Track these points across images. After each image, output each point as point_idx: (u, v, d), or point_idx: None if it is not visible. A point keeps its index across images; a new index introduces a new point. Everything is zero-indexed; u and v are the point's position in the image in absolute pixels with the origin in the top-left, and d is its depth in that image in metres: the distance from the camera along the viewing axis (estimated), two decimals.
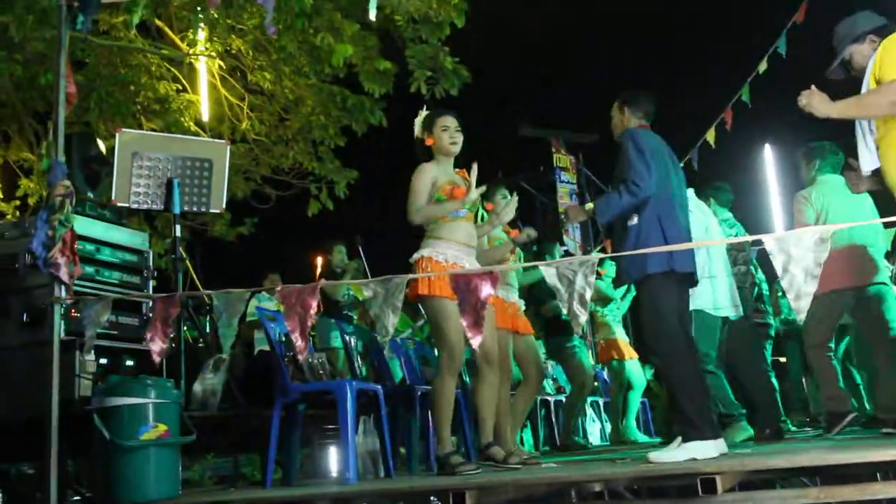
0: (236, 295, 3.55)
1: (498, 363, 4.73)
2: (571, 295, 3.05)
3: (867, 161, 3.50)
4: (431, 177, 4.09)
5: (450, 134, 4.16)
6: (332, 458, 6.92)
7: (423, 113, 4.30)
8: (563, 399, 8.07)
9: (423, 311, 4.01)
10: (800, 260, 2.75)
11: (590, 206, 3.99)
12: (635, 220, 3.82)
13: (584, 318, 3.08)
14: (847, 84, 3.76)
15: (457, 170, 4.28)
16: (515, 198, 4.53)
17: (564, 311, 3.12)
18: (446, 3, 7.48)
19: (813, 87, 3.50)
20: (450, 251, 4.01)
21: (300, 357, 4.03)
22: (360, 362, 5.40)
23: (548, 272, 3.11)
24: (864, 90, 3.55)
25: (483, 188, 4.21)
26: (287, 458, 4.64)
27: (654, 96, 4.16)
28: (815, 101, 3.42)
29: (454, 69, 7.78)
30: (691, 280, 3.98)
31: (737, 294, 5.39)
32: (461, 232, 4.09)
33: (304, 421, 4.68)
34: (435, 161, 4.18)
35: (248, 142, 9.29)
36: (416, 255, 4.06)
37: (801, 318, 2.81)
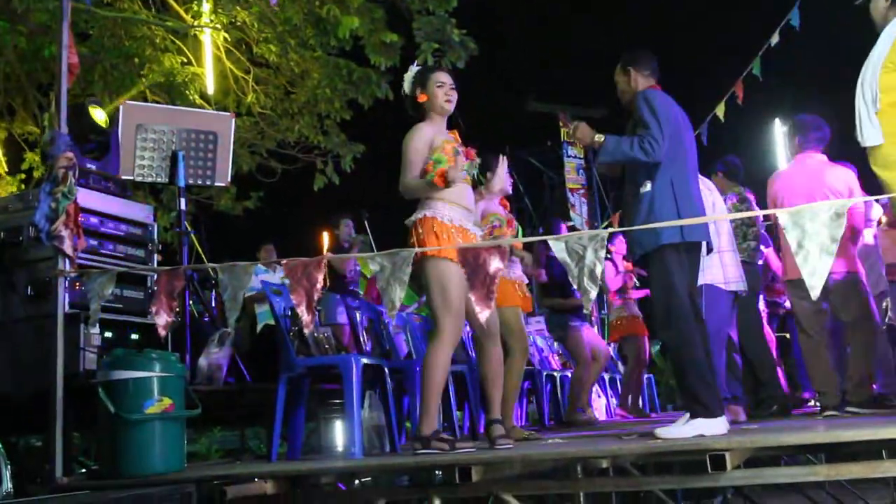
0: (242, 268, 3.52)
1: (516, 339, 4.71)
2: (581, 270, 3.00)
3: (871, 136, 3.40)
4: (427, 138, 3.88)
5: (445, 91, 3.96)
6: (338, 432, 6.94)
7: (414, 68, 4.09)
8: (570, 374, 8.06)
9: (421, 276, 3.77)
10: (815, 235, 2.69)
11: (600, 137, 3.77)
12: (648, 186, 3.70)
13: (594, 293, 3.03)
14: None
15: (449, 130, 4.05)
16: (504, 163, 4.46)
17: (574, 286, 3.07)
18: None
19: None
20: (454, 213, 3.83)
21: (306, 331, 3.99)
22: (365, 336, 5.38)
23: (557, 247, 3.06)
24: (873, 59, 3.45)
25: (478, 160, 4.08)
26: (292, 433, 4.63)
27: (654, 53, 4.05)
28: None
29: (461, 41, 7.70)
30: (700, 250, 3.86)
31: (742, 269, 5.36)
32: (462, 194, 3.90)
33: (309, 395, 4.67)
34: (429, 120, 3.98)
35: (253, 115, 9.23)
36: (416, 216, 3.86)
37: (815, 294, 2.75)
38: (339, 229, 7.61)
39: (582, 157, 14.01)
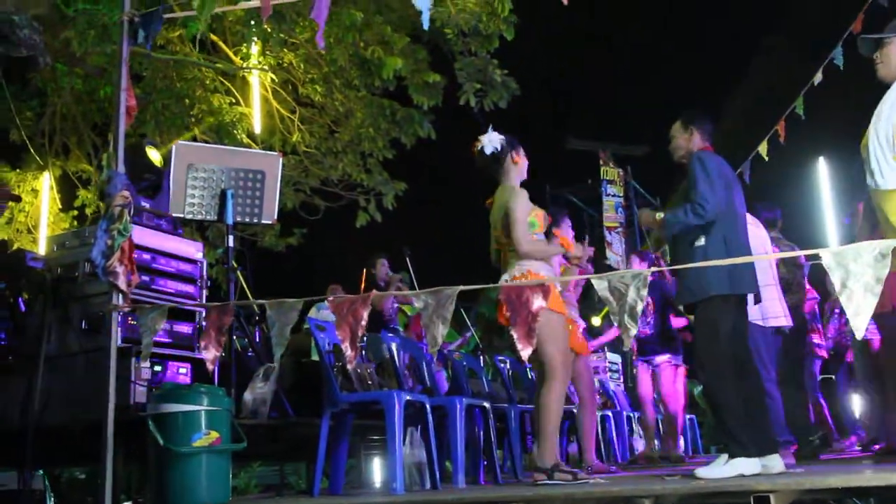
0: (289, 304, 3.60)
1: (585, 385, 5.10)
2: (622, 308, 3.04)
3: (892, 179, 3.41)
4: (528, 202, 4.17)
5: (526, 160, 4.33)
6: (377, 469, 6.95)
7: (492, 132, 4.32)
8: (611, 413, 8.00)
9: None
10: (859, 276, 2.69)
11: (660, 215, 4.04)
12: (702, 241, 3.88)
13: (633, 331, 3.07)
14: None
15: None
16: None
17: (616, 324, 3.12)
18: (496, 16, 7.51)
19: None
20: (544, 271, 4.10)
21: (349, 366, 4.05)
22: (406, 374, 5.42)
23: (599, 285, 3.10)
24: (888, 104, 3.47)
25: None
26: (334, 468, 4.67)
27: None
28: None
29: (503, 82, 7.81)
30: (746, 300, 4.03)
31: (787, 304, 5.34)
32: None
33: (351, 431, 4.71)
34: (511, 185, 4.27)
35: (298, 153, 9.41)
36: (516, 272, 4.09)
37: (860, 335, 2.75)
38: (376, 268, 7.58)
39: (621, 195, 14.00)
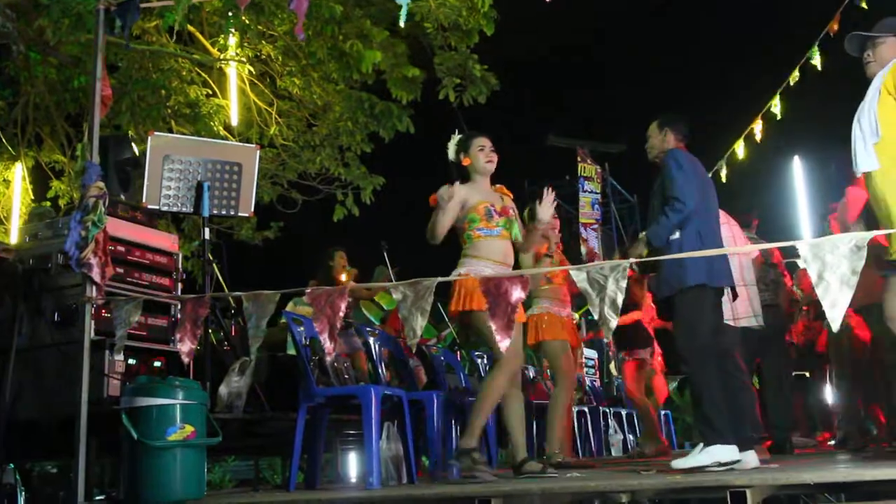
0: (266, 297, 3.57)
1: (561, 373, 5.05)
2: (602, 300, 3.04)
3: (866, 163, 3.45)
4: (459, 199, 4.10)
5: (486, 153, 4.25)
6: (352, 463, 6.93)
7: (456, 137, 4.35)
8: (587, 409, 8.05)
9: (471, 326, 4.02)
10: (835, 267, 2.72)
11: (642, 236, 4.09)
12: (677, 234, 3.94)
13: (614, 322, 3.08)
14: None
15: (495, 186, 4.34)
16: (550, 195, 4.55)
17: (595, 316, 3.12)
18: (476, 10, 7.50)
19: None
20: (487, 269, 3.99)
21: (327, 359, 4.04)
22: (383, 367, 5.41)
23: (578, 276, 3.11)
24: (870, 95, 3.50)
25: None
26: (310, 462, 4.65)
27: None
28: None
29: (483, 77, 7.80)
30: (722, 293, 4.07)
31: (758, 304, 5.39)
32: (497, 250, 4.11)
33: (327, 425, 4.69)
34: (471, 181, 4.24)
35: (275, 147, 9.34)
36: (453, 274, 4.06)
37: (836, 327, 2.77)
38: (334, 261, 7.26)
39: (599, 192, 14.07)
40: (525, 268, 4.72)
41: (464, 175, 4.28)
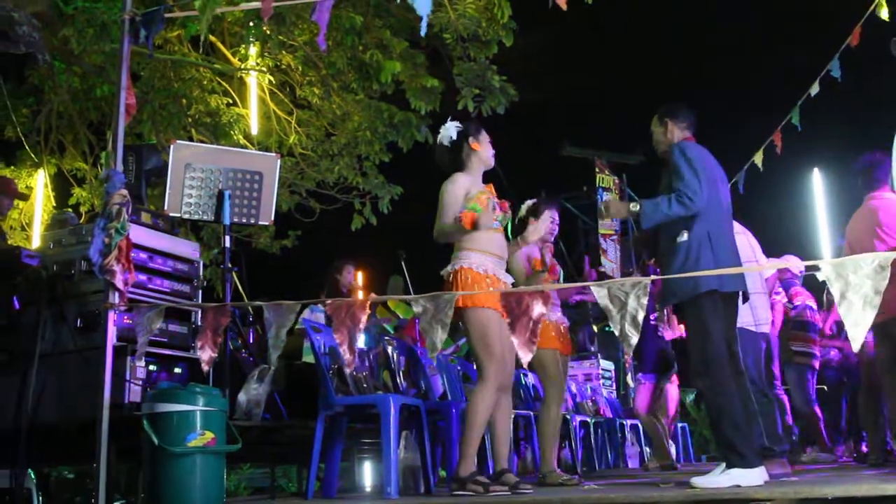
0: (287, 307, 3.59)
1: (551, 382, 4.90)
2: (623, 316, 3.03)
3: None
4: (464, 187, 4.05)
5: (490, 146, 4.19)
6: (368, 472, 6.93)
7: (452, 122, 4.22)
8: (603, 421, 8.02)
9: (462, 325, 3.92)
10: (858, 287, 2.70)
11: (635, 207, 3.88)
12: (685, 236, 3.76)
13: (634, 339, 3.06)
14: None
15: (486, 184, 4.24)
16: (543, 223, 4.55)
17: (616, 332, 3.10)
18: (496, 22, 7.52)
19: None
20: (487, 262, 3.95)
21: (347, 370, 4.05)
22: (401, 377, 5.41)
23: (599, 293, 3.10)
24: None
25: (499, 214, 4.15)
26: (328, 471, 4.66)
27: (692, 99, 4.13)
28: None
29: (501, 87, 7.81)
30: (737, 299, 3.92)
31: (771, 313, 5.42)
32: (494, 243, 4.04)
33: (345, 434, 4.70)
34: (467, 171, 4.15)
35: (294, 156, 9.41)
36: (450, 267, 4.00)
37: (857, 346, 2.75)
38: (341, 274, 7.34)
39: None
40: (520, 282, 4.67)
41: (458, 163, 4.15)
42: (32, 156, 8.80)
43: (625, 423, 8.96)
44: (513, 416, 5.62)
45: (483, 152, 4.16)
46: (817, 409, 7.05)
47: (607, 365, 11.25)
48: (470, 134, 4.16)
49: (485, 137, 4.18)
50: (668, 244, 3.85)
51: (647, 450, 9.00)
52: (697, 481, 3.48)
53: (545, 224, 4.79)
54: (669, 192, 3.79)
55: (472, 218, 3.84)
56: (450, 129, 4.19)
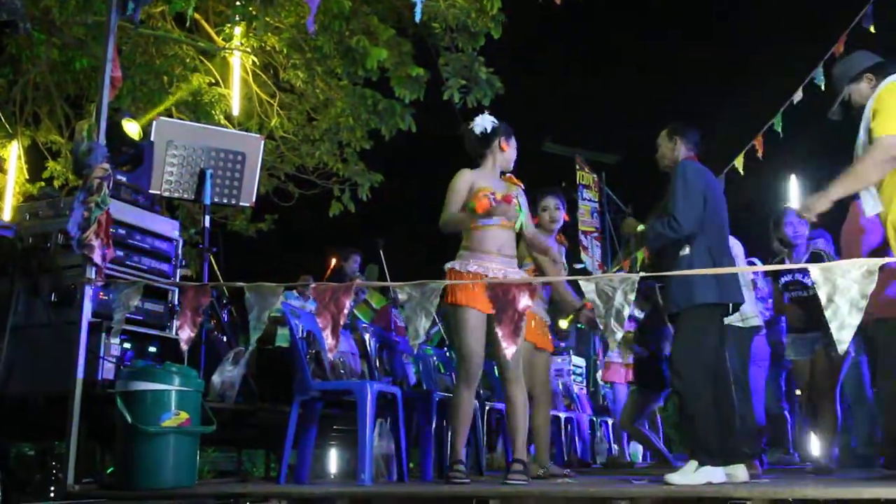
0: (269, 289, 3.55)
1: (539, 384, 4.85)
2: (609, 311, 3.04)
3: (870, 206, 3.50)
4: (468, 183, 4.08)
5: (514, 152, 4.29)
6: (336, 459, 6.90)
7: (490, 116, 4.25)
8: (574, 416, 8.04)
9: (441, 319, 4.00)
10: (845, 291, 2.73)
11: (641, 227, 4.07)
12: (687, 250, 3.91)
13: (619, 334, 3.09)
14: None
15: (505, 175, 4.29)
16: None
17: (601, 326, 3.11)
18: (485, 13, 7.50)
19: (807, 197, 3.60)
20: (476, 262, 3.96)
21: (330, 355, 4.02)
22: (377, 364, 5.39)
23: (587, 287, 3.11)
24: (861, 134, 3.56)
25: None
26: (300, 456, 4.61)
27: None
28: (813, 203, 3.46)
29: (488, 79, 7.79)
30: (727, 310, 4.05)
31: (757, 306, 5.48)
32: (491, 241, 4.02)
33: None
34: (481, 168, 4.20)
35: (274, 139, 9.31)
36: (446, 266, 4.04)
37: (842, 349, 2.78)
38: (347, 262, 7.45)
39: (597, 200, 14.07)
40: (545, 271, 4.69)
41: (478, 157, 4.23)
42: (7, 126, 8.62)
43: (594, 419, 9.00)
44: (488, 407, 5.62)
45: (508, 154, 4.24)
46: (786, 412, 7.11)
47: (579, 361, 11.28)
48: (503, 133, 4.22)
49: (513, 143, 4.27)
50: (670, 258, 3.99)
51: (614, 447, 9.05)
52: (671, 478, 3.57)
53: (548, 214, 4.81)
54: (666, 208, 4.00)
55: (485, 206, 3.89)
56: (486, 121, 4.22)
